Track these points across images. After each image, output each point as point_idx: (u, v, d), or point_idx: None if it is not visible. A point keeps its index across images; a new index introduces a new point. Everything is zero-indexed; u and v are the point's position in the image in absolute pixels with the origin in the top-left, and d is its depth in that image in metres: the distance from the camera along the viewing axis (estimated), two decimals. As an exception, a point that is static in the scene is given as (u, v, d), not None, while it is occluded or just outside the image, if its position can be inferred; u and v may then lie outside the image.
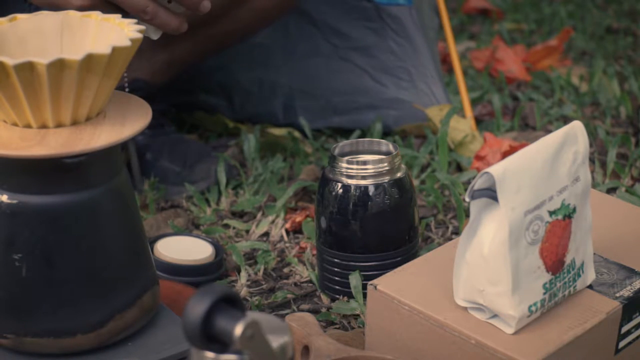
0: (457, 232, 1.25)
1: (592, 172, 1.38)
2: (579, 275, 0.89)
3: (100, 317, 0.86)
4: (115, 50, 0.81)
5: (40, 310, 0.85)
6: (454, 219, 1.28)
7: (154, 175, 1.37)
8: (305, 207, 1.30)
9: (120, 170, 0.88)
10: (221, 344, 0.67)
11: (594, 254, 0.95)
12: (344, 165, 1.07)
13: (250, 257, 1.20)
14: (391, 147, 1.10)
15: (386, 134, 1.53)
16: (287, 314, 1.04)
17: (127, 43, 0.82)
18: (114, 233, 0.87)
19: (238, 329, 0.65)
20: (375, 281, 0.93)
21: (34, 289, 0.84)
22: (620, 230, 1.01)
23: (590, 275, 0.91)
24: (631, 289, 0.91)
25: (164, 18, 1.03)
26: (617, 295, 0.90)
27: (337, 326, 1.06)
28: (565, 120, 1.62)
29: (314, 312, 1.09)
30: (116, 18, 0.87)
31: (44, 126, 0.83)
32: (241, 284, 1.14)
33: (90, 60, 0.80)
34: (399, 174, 1.08)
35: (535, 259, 0.84)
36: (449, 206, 1.32)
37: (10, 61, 0.78)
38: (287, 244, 1.23)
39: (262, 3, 1.43)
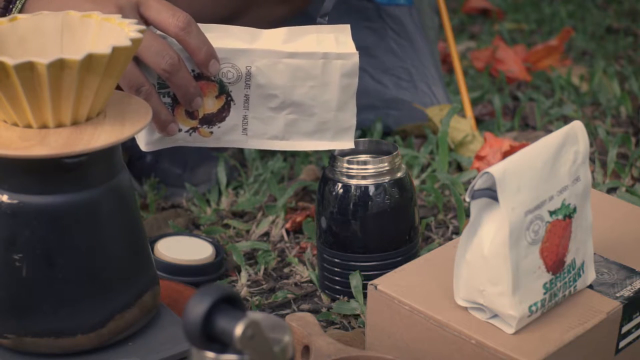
0: (457, 232, 1.25)
1: (593, 172, 1.38)
2: (580, 275, 0.89)
3: (100, 317, 0.86)
4: (115, 50, 0.81)
5: (41, 310, 0.85)
6: (454, 219, 1.28)
7: (154, 177, 1.37)
8: (305, 207, 1.30)
9: (120, 170, 0.88)
10: (221, 344, 0.67)
11: (594, 253, 0.95)
12: (345, 165, 1.07)
13: (251, 257, 1.20)
14: (391, 147, 1.10)
15: (386, 134, 1.53)
16: (287, 314, 1.04)
17: (128, 43, 0.82)
18: (114, 233, 0.87)
19: (238, 329, 0.65)
20: (375, 281, 0.93)
21: (35, 289, 0.84)
22: (621, 230, 1.01)
23: (590, 275, 0.91)
24: (631, 288, 0.91)
25: (156, 104, 1.00)
26: (618, 295, 0.90)
27: (338, 326, 1.06)
28: (566, 120, 1.62)
29: (314, 312, 1.09)
30: (117, 18, 0.87)
31: (44, 126, 0.83)
32: (241, 284, 1.14)
33: (90, 60, 0.80)
34: (399, 174, 1.08)
35: (535, 259, 0.84)
36: (449, 206, 1.32)
37: (10, 61, 0.78)
38: (288, 244, 1.23)
39: (271, 12, 1.42)
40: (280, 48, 1.03)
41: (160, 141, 1.06)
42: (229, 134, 1.07)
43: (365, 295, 1.05)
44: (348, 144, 1.09)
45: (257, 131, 1.07)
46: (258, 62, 1.03)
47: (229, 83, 1.04)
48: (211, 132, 1.06)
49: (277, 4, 1.43)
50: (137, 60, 0.99)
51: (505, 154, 1.35)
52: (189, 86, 1.01)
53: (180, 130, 1.05)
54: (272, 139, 1.08)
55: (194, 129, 1.06)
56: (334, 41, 1.05)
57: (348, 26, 1.07)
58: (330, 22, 1.45)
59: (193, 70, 1.02)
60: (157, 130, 1.04)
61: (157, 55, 0.97)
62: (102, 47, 0.81)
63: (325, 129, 1.07)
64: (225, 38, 1.03)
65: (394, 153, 1.08)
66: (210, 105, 1.05)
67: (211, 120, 1.05)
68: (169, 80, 0.99)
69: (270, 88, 1.04)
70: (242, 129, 1.07)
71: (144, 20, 0.99)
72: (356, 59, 1.05)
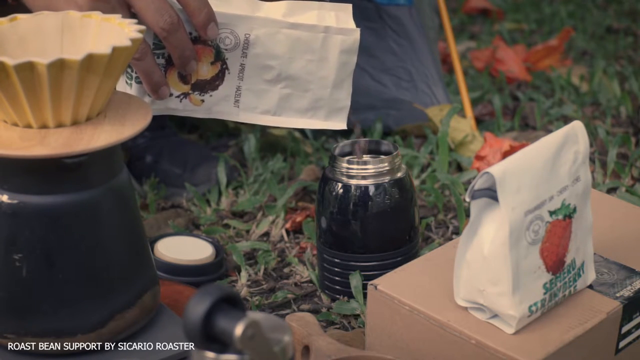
0: (457, 232, 1.25)
1: (593, 172, 1.38)
2: (580, 275, 0.89)
3: (100, 317, 0.86)
4: (115, 50, 0.81)
5: (41, 310, 0.85)
6: (454, 219, 1.28)
7: (154, 177, 1.37)
8: (305, 207, 1.30)
9: (120, 170, 0.88)
10: (221, 344, 0.67)
11: (595, 253, 0.95)
12: (345, 165, 1.07)
13: (251, 257, 1.20)
14: (391, 147, 1.10)
15: (386, 134, 1.53)
16: (287, 314, 1.04)
17: (128, 43, 0.82)
18: (114, 233, 0.87)
19: (238, 329, 0.65)
20: (375, 281, 0.93)
21: (35, 289, 0.84)
22: (621, 230, 1.01)
23: (590, 275, 0.91)
24: (631, 288, 0.91)
25: (150, 64, 0.99)
26: (618, 295, 0.90)
27: (338, 326, 1.06)
28: (566, 120, 1.62)
29: (314, 312, 1.09)
30: (117, 18, 0.87)
31: (44, 126, 0.83)
32: (241, 283, 1.14)
33: (90, 60, 0.80)
34: (399, 174, 1.08)
35: (535, 259, 0.84)
36: (449, 206, 1.32)
37: (10, 61, 0.78)
38: (288, 244, 1.23)
39: None
40: (282, 18, 1.03)
41: (150, 106, 1.05)
42: (220, 105, 1.05)
43: (365, 295, 1.05)
44: (340, 124, 1.08)
45: (249, 104, 1.06)
46: (257, 30, 1.02)
47: (226, 50, 1.02)
48: (202, 101, 1.05)
49: None
50: (135, 18, 0.98)
51: (505, 154, 1.35)
52: (185, 48, 0.99)
53: (171, 95, 1.04)
54: (263, 113, 1.06)
55: (185, 94, 1.04)
56: (335, 18, 1.05)
57: (350, 6, 1.06)
58: None
59: (190, 33, 1.01)
60: (149, 92, 1.02)
61: (156, 13, 0.96)
62: (102, 47, 0.81)
63: (319, 107, 1.06)
64: (225, 5, 1.02)
65: (394, 153, 1.08)
66: (205, 71, 1.03)
67: (204, 87, 1.04)
68: (166, 40, 0.98)
69: (267, 58, 1.03)
70: (234, 101, 1.05)
71: None
72: (357, 35, 1.04)
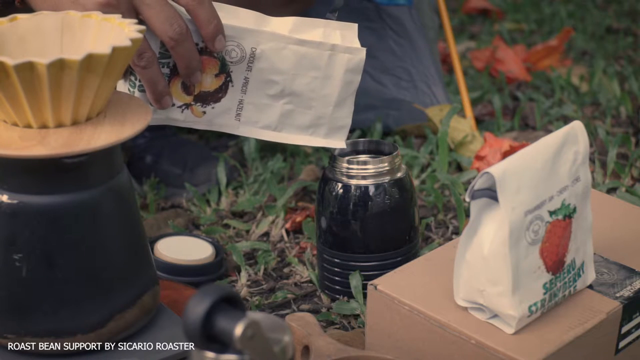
0: (457, 232, 1.25)
1: (593, 172, 1.38)
2: (579, 275, 0.89)
3: (100, 317, 0.86)
4: (115, 50, 0.81)
5: (41, 310, 0.85)
6: (454, 219, 1.28)
7: (154, 177, 1.37)
8: (305, 207, 1.30)
9: (120, 170, 0.88)
10: (221, 343, 0.67)
11: (594, 254, 0.95)
12: (345, 165, 1.07)
13: (251, 257, 1.20)
14: (391, 147, 1.10)
15: (386, 134, 1.53)
16: (287, 314, 1.04)
17: (128, 43, 0.82)
18: (114, 233, 0.87)
19: (238, 329, 0.65)
20: (375, 281, 0.93)
21: (34, 289, 0.84)
22: (620, 230, 1.01)
23: (590, 275, 0.91)
24: (631, 289, 0.91)
25: (155, 73, 0.99)
26: (618, 295, 0.90)
27: (338, 326, 1.06)
28: (566, 120, 1.62)
29: (314, 312, 1.09)
30: (116, 18, 0.87)
31: (44, 126, 0.83)
32: (241, 284, 1.14)
33: (90, 60, 0.80)
34: (399, 174, 1.08)
35: (535, 259, 0.84)
36: (449, 206, 1.32)
37: (10, 61, 0.78)
38: (287, 244, 1.23)
39: (273, 14, 1.42)
40: (289, 34, 1.03)
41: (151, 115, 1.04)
42: (221, 117, 1.05)
43: (365, 295, 1.05)
44: (339, 143, 1.08)
45: (250, 118, 1.06)
46: (264, 45, 1.02)
47: (231, 62, 1.02)
48: (204, 112, 1.04)
49: (280, 6, 1.43)
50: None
51: (505, 154, 1.35)
52: (192, 58, 0.99)
53: (173, 105, 1.04)
54: (264, 128, 1.07)
55: (187, 105, 1.04)
56: (340, 37, 1.05)
57: (355, 25, 1.06)
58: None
59: (197, 44, 1.01)
60: (151, 101, 1.02)
61: (165, 22, 0.96)
62: (102, 47, 0.81)
63: (320, 125, 1.07)
64: (233, 18, 1.02)
65: (394, 153, 1.08)
66: (208, 82, 1.03)
67: (206, 99, 1.04)
68: (174, 49, 0.98)
69: (271, 73, 1.04)
70: (235, 114, 1.05)
71: None
72: (363, 55, 1.05)
